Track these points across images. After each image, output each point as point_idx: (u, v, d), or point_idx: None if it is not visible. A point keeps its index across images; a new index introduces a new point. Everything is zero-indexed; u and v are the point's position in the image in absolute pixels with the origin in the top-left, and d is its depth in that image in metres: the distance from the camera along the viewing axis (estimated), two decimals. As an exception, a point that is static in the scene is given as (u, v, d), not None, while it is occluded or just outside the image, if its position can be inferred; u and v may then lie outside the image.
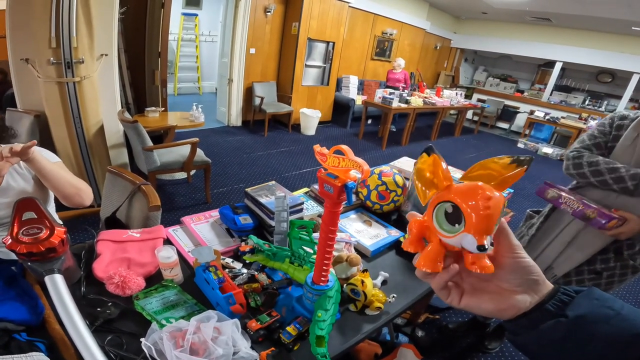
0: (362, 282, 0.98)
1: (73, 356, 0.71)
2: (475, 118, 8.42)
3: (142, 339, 0.72)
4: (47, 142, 2.29)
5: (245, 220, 1.23)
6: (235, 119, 5.54)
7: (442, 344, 1.92)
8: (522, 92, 9.03)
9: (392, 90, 5.60)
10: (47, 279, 0.76)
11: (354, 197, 1.52)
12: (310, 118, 5.57)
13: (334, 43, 5.88)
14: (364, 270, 1.03)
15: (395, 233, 1.38)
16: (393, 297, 1.04)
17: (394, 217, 1.56)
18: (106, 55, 2.43)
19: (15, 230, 0.78)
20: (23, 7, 2.03)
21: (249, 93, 5.45)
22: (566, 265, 1.34)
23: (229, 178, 3.68)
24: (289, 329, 0.85)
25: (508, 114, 8.68)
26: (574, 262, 1.32)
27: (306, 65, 5.71)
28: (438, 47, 9.01)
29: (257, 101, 5.26)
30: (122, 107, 2.78)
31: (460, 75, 9.99)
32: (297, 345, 0.84)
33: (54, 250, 0.79)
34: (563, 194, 1.22)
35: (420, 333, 1.88)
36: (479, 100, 8.65)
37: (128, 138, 2.79)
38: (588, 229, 1.24)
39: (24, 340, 0.74)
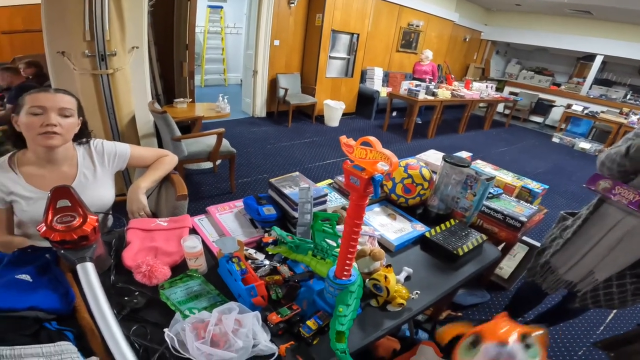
0: (385, 277, 0.95)
1: (100, 345, 0.71)
2: (507, 111, 8.08)
3: (165, 329, 0.73)
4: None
5: (268, 211, 1.23)
6: (260, 110, 5.58)
7: (465, 342, 1.87)
8: (558, 85, 8.59)
9: (418, 83, 5.46)
10: (78, 267, 0.76)
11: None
12: (334, 109, 5.53)
13: (358, 35, 5.78)
14: (388, 265, 1.01)
15: (420, 227, 1.34)
16: (416, 293, 1.01)
17: (419, 211, 1.52)
18: (137, 47, 2.49)
19: (50, 217, 0.78)
20: (58, 1, 2.10)
21: (273, 84, 5.47)
22: (608, 269, 1.27)
23: (253, 168, 3.72)
24: (309, 323, 0.84)
25: (542, 108, 8.28)
26: (616, 266, 1.25)
27: (330, 57, 5.66)
28: (467, 39, 8.69)
29: (282, 92, 5.27)
30: (152, 98, 2.85)
31: (491, 67, 9.62)
32: (316, 339, 0.83)
33: (86, 238, 0.79)
34: (617, 185, 1.14)
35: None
36: (511, 93, 8.30)
37: (158, 128, 2.87)
38: (634, 232, 1.17)
39: (54, 329, 0.74)
